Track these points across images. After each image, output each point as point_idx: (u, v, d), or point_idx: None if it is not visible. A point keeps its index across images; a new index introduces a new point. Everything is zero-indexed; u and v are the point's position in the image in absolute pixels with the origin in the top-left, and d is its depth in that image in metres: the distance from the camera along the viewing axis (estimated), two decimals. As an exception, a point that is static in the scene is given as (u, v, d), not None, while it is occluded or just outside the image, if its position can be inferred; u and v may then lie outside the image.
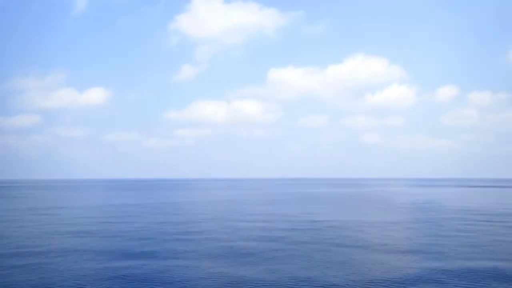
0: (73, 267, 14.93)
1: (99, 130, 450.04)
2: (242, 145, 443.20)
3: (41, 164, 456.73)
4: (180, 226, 26.09)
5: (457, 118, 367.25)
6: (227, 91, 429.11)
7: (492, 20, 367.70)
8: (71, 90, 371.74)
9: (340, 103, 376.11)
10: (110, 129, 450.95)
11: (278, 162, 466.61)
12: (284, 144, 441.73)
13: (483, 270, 14.31)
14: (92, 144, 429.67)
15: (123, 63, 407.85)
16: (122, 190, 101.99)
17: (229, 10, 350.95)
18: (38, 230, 24.84)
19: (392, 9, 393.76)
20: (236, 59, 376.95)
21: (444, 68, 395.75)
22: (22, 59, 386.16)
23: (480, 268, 14.58)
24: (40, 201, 55.67)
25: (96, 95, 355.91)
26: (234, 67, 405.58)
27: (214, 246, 19.10)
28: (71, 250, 18.07)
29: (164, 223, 27.62)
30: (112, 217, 32.36)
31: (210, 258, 16.52)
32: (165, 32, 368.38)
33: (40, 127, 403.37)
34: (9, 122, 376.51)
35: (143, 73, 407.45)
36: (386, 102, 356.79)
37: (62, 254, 17.24)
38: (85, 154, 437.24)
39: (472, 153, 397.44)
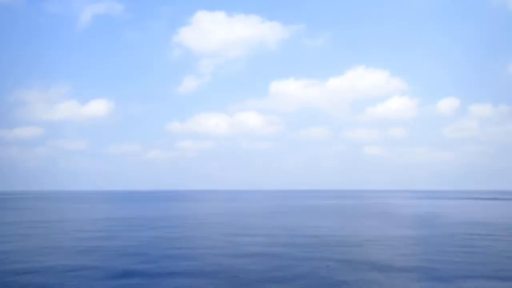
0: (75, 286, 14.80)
1: (101, 141, 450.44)
2: (243, 157, 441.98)
3: (43, 176, 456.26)
4: (180, 241, 25.86)
5: (458, 130, 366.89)
6: (229, 104, 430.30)
7: (492, 32, 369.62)
8: (73, 102, 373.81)
9: (341, 115, 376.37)
10: (112, 140, 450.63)
11: (280, 174, 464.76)
12: (286, 156, 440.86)
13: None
14: (94, 155, 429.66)
15: (125, 75, 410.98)
16: (123, 201, 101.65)
17: (231, 23, 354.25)
18: (39, 244, 24.64)
19: (393, 22, 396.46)
20: (238, 72, 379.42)
21: (445, 80, 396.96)
22: (25, 72, 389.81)
23: None
24: (42, 213, 55.40)
25: (98, 107, 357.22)
26: (236, 80, 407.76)
27: (214, 263, 18.87)
28: (72, 268, 17.90)
29: (165, 238, 27.39)
30: (111, 231, 32.10)
31: (209, 278, 16.31)
32: (168, 45, 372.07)
33: (42, 139, 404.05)
34: (11, 134, 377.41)
35: (145, 85, 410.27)
36: (387, 114, 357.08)
37: (63, 272, 17.08)
38: (87, 165, 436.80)
39: (474, 165, 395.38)
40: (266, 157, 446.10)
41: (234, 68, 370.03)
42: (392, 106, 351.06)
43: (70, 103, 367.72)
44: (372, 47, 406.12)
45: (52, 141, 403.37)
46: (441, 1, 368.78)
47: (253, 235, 28.70)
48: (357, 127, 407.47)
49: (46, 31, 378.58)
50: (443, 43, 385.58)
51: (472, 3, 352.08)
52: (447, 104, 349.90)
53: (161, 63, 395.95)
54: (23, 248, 23.42)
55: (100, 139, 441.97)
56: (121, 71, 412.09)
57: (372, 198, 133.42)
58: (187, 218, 45.20)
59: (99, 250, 22.39)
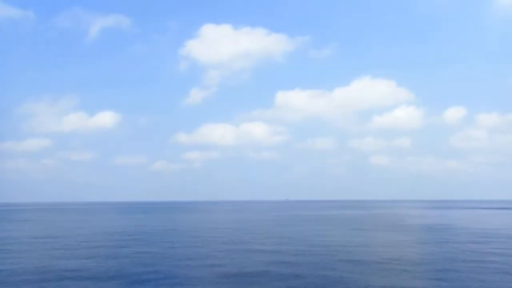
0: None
1: (108, 153, 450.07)
2: (249, 168, 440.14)
3: (51, 187, 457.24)
4: (182, 258, 24.81)
5: (465, 139, 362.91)
6: (235, 115, 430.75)
7: (497, 41, 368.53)
8: (82, 114, 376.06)
9: (347, 125, 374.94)
10: (119, 152, 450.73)
11: (286, 184, 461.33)
12: (292, 166, 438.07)
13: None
14: (101, 167, 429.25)
15: (133, 88, 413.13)
16: (128, 213, 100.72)
17: (238, 36, 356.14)
18: (37, 264, 23.70)
19: (399, 32, 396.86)
20: (245, 83, 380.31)
21: (451, 89, 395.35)
22: (34, 85, 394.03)
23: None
24: (48, 226, 54.54)
25: (106, 119, 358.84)
26: (242, 91, 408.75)
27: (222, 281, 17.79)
28: None
29: (167, 256, 26.34)
30: (113, 246, 31.02)
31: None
32: (174, 58, 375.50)
33: (50, 150, 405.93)
34: (20, 146, 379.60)
35: (152, 97, 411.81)
36: (393, 124, 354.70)
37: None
38: (94, 177, 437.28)
39: (481, 174, 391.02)
40: (272, 167, 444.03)
41: (241, 79, 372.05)
42: (398, 115, 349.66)
43: (78, 115, 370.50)
44: (378, 57, 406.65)
45: (60, 153, 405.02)
46: (447, 11, 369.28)
47: (259, 251, 27.48)
48: (364, 136, 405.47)
49: (55, 45, 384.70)
50: (449, 53, 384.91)
51: (478, 13, 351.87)
52: (454, 114, 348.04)
53: (168, 75, 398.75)
54: (28, 267, 22.47)
55: (107, 150, 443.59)
56: (128, 84, 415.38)
57: (379, 208, 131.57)
58: (191, 232, 44.07)
59: (92, 270, 21.36)
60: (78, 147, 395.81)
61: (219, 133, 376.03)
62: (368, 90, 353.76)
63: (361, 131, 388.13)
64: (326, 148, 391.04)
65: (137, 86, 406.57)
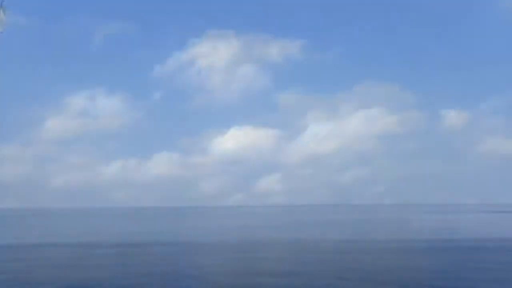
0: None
1: (112, 157, 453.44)
2: (251, 171, 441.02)
3: (55, 192, 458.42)
4: (187, 265, 24.31)
5: (470, 142, 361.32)
6: (238, 119, 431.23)
7: (501, 43, 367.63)
8: (85, 118, 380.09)
9: (350, 128, 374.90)
10: (120, 156, 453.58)
11: (291, 188, 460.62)
12: (294, 170, 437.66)
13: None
14: (103, 171, 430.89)
15: (136, 92, 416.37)
16: (130, 218, 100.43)
17: (239, 40, 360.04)
18: (48, 272, 23.27)
19: (401, 35, 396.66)
20: (247, 87, 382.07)
21: (455, 92, 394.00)
22: (40, 91, 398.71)
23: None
24: (54, 231, 54.23)
25: (108, 123, 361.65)
26: (244, 95, 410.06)
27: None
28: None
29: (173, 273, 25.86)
30: (121, 253, 30.61)
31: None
32: (177, 62, 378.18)
33: (56, 155, 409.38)
34: (25, 151, 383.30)
35: (155, 102, 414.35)
36: (397, 127, 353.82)
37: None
38: (97, 181, 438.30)
39: (487, 178, 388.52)
40: (273, 170, 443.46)
41: (243, 83, 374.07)
42: (401, 119, 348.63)
43: (81, 119, 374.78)
44: (380, 61, 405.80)
45: (64, 156, 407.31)
46: (448, 13, 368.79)
47: (263, 258, 26.94)
48: (367, 139, 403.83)
49: (59, 51, 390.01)
50: (453, 56, 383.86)
51: (481, 16, 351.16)
52: (457, 116, 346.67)
53: (171, 80, 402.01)
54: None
55: (111, 154, 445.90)
56: (131, 87, 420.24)
57: (385, 212, 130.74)
58: (193, 236, 43.51)
59: (89, 280, 20.86)
60: (81, 151, 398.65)
61: (220, 137, 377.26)
62: (370, 93, 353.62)
63: (365, 134, 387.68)
64: (329, 151, 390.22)
65: (140, 91, 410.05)
